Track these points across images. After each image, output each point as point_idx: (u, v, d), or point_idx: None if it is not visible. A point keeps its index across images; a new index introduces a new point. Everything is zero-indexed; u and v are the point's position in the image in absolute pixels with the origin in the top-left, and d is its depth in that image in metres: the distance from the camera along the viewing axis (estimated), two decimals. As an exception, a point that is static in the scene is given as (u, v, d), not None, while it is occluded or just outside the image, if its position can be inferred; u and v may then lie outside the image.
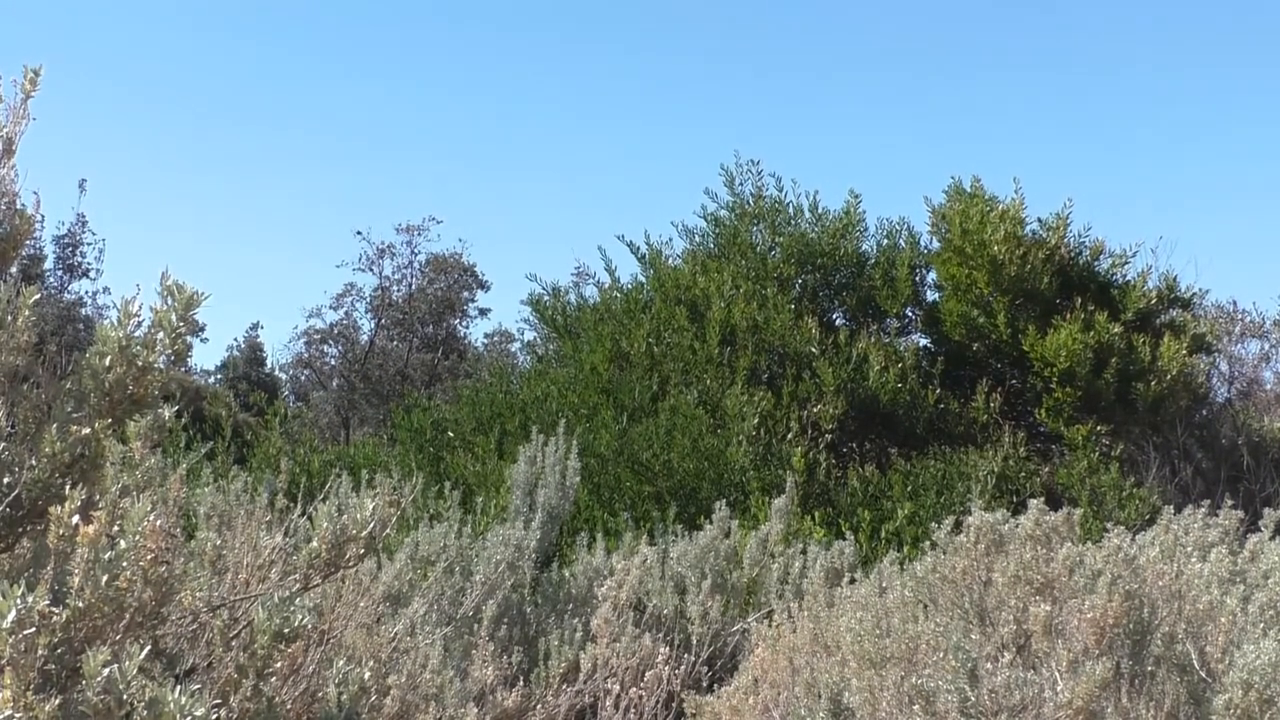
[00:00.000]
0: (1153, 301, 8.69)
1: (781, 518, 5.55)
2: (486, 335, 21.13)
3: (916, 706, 2.68)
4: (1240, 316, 11.66)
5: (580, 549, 5.33)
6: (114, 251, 17.01)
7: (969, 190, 8.88)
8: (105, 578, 1.63)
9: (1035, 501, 3.17)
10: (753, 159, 9.48)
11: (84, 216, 15.88)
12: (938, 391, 8.32)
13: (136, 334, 1.87)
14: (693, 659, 4.50)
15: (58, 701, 1.49)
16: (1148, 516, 6.88)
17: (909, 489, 7.49)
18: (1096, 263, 8.90)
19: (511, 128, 31.14)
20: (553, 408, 8.27)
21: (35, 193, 2.01)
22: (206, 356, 31.57)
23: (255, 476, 6.05)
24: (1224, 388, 10.86)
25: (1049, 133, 27.90)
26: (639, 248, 9.75)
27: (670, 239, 9.97)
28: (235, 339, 21.76)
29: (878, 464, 8.22)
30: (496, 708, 3.69)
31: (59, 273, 15.88)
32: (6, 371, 1.84)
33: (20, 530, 1.81)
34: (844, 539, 5.50)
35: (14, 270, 1.95)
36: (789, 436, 7.89)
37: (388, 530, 2.18)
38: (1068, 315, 8.23)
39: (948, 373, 8.60)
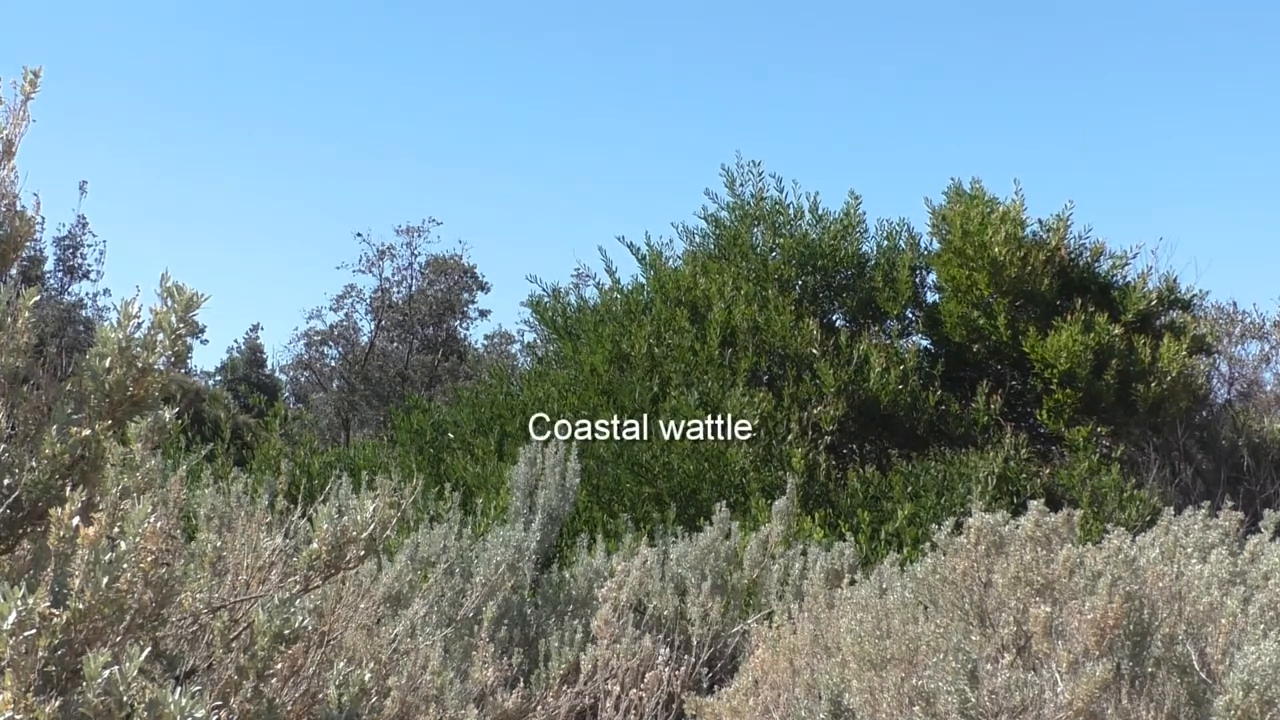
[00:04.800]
0: (1153, 303, 8.69)
1: (782, 519, 5.55)
2: (486, 337, 21.15)
3: (917, 708, 2.68)
4: (1240, 318, 11.66)
5: (580, 550, 5.34)
6: (114, 253, 17.00)
7: (969, 192, 8.88)
8: (105, 579, 1.63)
9: (1035, 503, 3.18)
10: (753, 160, 9.48)
11: (84, 218, 15.90)
12: (938, 393, 8.32)
13: (136, 335, 1.87)
14: (693, 660, 4.50)
15: (58, 703, 1.49)
16: (1148, 518, 6.89)
17: (909, 490, 7.49)
18: (1097, 264, 8.90)
19: (511, 128, 31.15)
20: (553, 409, 8.27)
21: (35, 194, 2.01)
22: (207, 358, 31.62)
23: (255, 478, 6.06)
24: (1224, 389, 10.87)
25: (1049, 134, 27.89)
26: (639, 249, 9.76)
27: (671, 240, 9.99)
28: (235, 340, 21.78)
29: (878, 465, 8.22)
30: (497, 709, 3.69)
31: (59, 274, 15.89)
32: (6, 373, 1.84)
33: (20, 532, 1.81)
34: (844, 540, 5.50)
35: (14, 272, 1.95)
36: (789, 438, 7.89)
37: (388, 532, 2.18)
38: (1068, 317, 8.23)
39: (948, 374, 8.60)
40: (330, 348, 20.59)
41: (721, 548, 5.26)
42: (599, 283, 10.09)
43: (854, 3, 28.25)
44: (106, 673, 1.52)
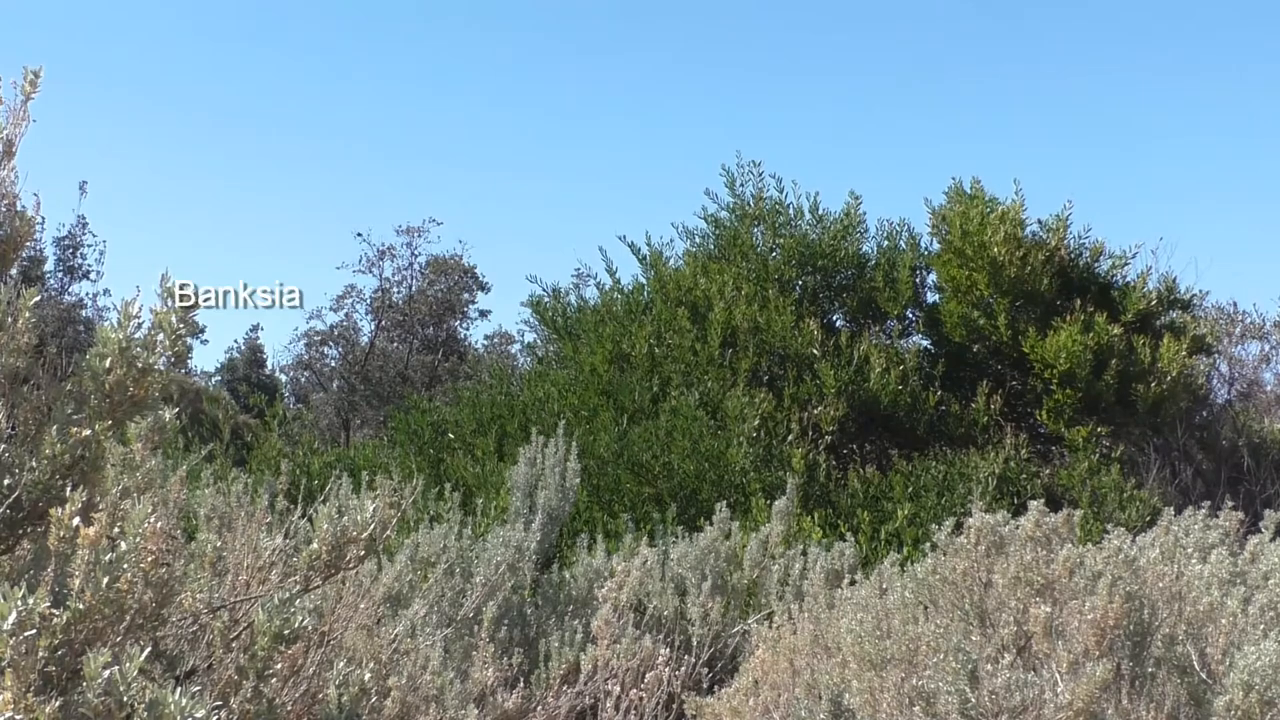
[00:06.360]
0: (1153, 303, 8.69)
1: (782, 519, 5.55)
2: (487, 337, 21.13)
3: (917, 708, 2.68)
4: (1240, 318, 11.66)
5: (580, 550, 5.33)
6: (115, 253, 16.93)
7: (969, 191, 8.88)
8: (106, 580, 1.63)
9: (1036, 503, 3.18)
10: (754, 160, 9.47)
11: (84, 218, 15.85)
12: (938, 393, 8.31)
13: (136, 335, 1.87)
14: (693, 660, 4.50)
15: (58, 703, 1.49)
16: (1148, 518, 6.88)
17: (910, 490, 7.48)
18: (1096, 264, 8.90)
19: (511, 129, 31.16)
20: (553, 409, 8.27)
21: (36, 195, 2.01)
22: (207, 358, 31.58)
23: (255, 478, 6.06)
24: (1224, 389, 10.87)
25: (1049, 133, 27.93)
26: (640, 249, 9.75)
27: (671, 240, 9.97)
28: (235, 340, 21.81)
29: (878, 465, 8.22)
30: (497, 709, 3.69)
31: (59, 274, 15.85)
32: (7, 373, 1.84)
33: (21, 532, 1.81)
34: (844, 540, 5.50)
35: (14, 272, 1.95)
36: (789, 438, 7.89)
37: (388, 532, 2.18)
38: (1068, 317, 8.23)
39: (948, 374, 8.59)
40: (330, 348, 20.58)
41: (721, 548, 5.25)
42: (599, 283, 10.10)
43: (854, 3, 28.26)
44: (106, 673, 1.52)
